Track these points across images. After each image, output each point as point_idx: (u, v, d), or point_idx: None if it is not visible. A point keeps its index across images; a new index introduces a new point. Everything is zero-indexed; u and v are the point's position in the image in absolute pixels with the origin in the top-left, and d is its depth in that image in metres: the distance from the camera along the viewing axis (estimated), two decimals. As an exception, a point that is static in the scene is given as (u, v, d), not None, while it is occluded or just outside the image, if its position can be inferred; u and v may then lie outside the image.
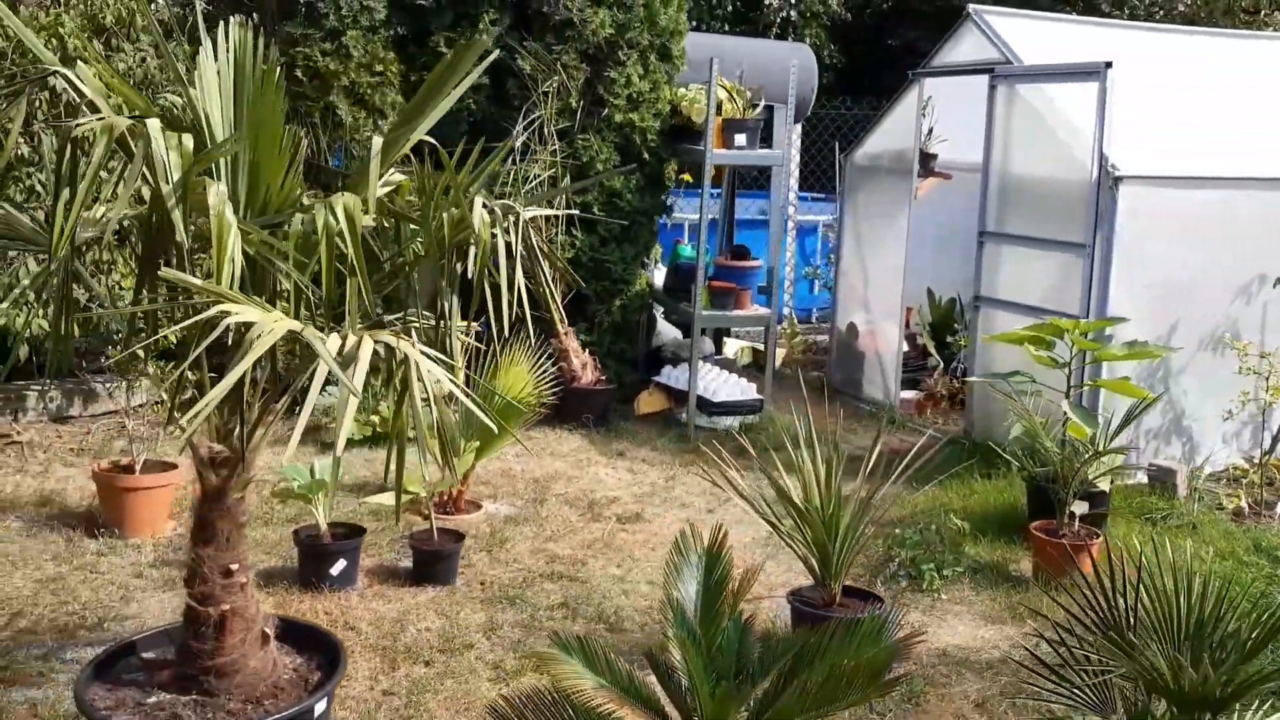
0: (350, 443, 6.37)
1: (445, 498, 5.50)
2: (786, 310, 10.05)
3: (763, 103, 7.28)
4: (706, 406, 7.18)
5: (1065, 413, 5.26)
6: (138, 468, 5.04)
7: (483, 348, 5.68)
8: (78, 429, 6.46)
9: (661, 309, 8.05)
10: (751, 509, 4.22)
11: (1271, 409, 6.11)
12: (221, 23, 2.94)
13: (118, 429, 6.19)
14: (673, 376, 7.48)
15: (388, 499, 4.76)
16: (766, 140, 7.49)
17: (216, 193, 2.47)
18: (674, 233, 9.52)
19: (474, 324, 4.51)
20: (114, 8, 6.06)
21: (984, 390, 6.51)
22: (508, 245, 3.06)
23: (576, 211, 6.85)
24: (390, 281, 3.13)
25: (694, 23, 13.01)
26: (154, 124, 2.44)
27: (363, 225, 2.83)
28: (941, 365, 8.00)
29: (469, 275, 3.04)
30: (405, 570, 4.81)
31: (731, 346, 9.07)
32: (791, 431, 7.25)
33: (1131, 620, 2.73)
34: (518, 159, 6.91)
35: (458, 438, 5.42)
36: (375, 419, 6.46)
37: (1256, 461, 6.04)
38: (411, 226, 3.08)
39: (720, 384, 7.35)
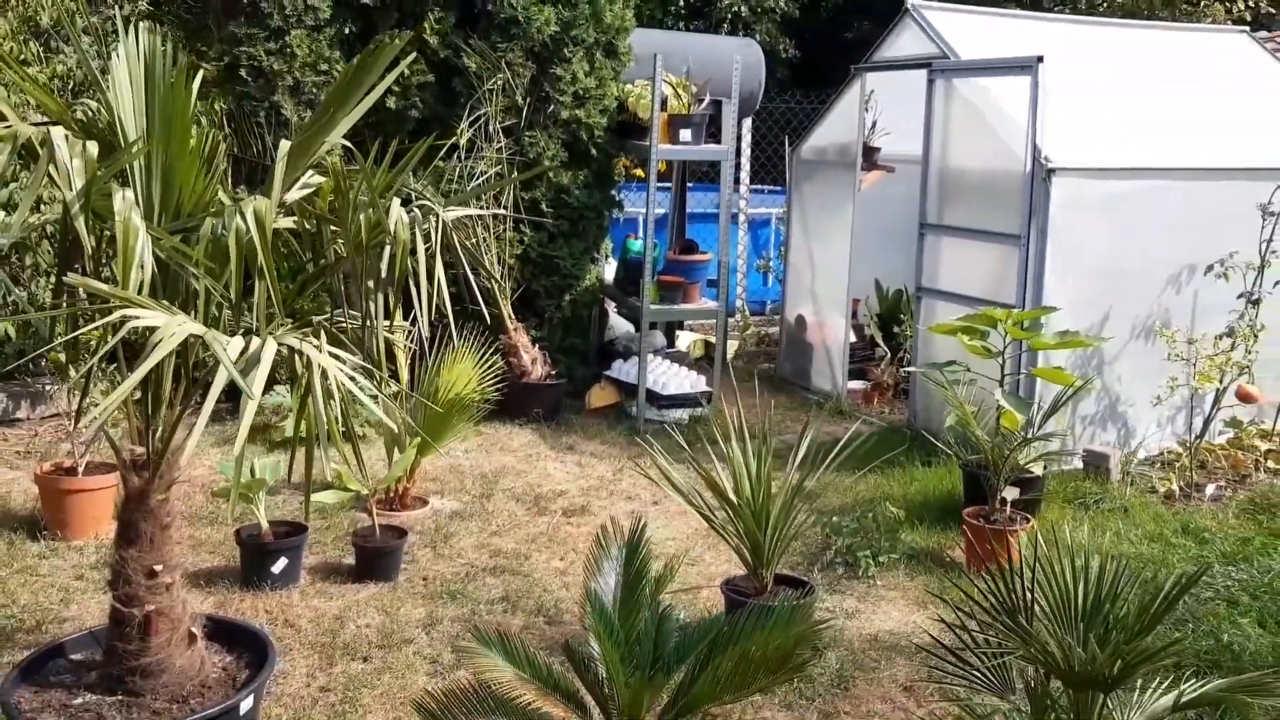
0: (303, 440, 6.40)
1: (392, 494, 5.55)
2: (739, 303, 10.14)
3: (708, 98, 7.35)
4: (656, 400, 7.25)
5: (999, 401, 5.37)
6: (80, 470, 5.06)
7: (427, 346, 5.75)
8: (25, 431, 6.46)
9: (614, 304, 8.12)
10: (686, 502, 4.29)
11: (1202, 394, 6.26)
12: (132, 27, 2.97)
13: (65, 432, 6.19)
14: (623, 370, 7.55)
15: (329, 496, 4.81)
16: (716, 135, 7.56)
17: (123, 199, 2.51)
18: (627, 227, 9.59)
19: (405, 324, 4.57)
20: (50, 9, 6.04)
21: (927, 379, 6.62)
22: (427, 246, 3.10)
23: (507, 212, 6.86)
24: (315, 282, 3.17)
25: (647, 19, 13.09)
26: (58, 132, 2.48)
27: (276, 228, 2.88)
28: (889, 355, 8.11)
29: (389, 275, 3.08)
30: (349, 567, 4.86)
31: (685, 340, 9.15)
32: (738, 424, 7.40)
33: (1029, 604, 2.82)
34: (462, 156, 6.94)
35: (403, 435, 5.49)
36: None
37: (1188, 445, 6.18)
38: (333, 228, 3.12)
39: (669, 377, 7.43)
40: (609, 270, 8.29)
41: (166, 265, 2.71)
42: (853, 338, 8.28)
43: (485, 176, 6.98)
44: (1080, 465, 6.19)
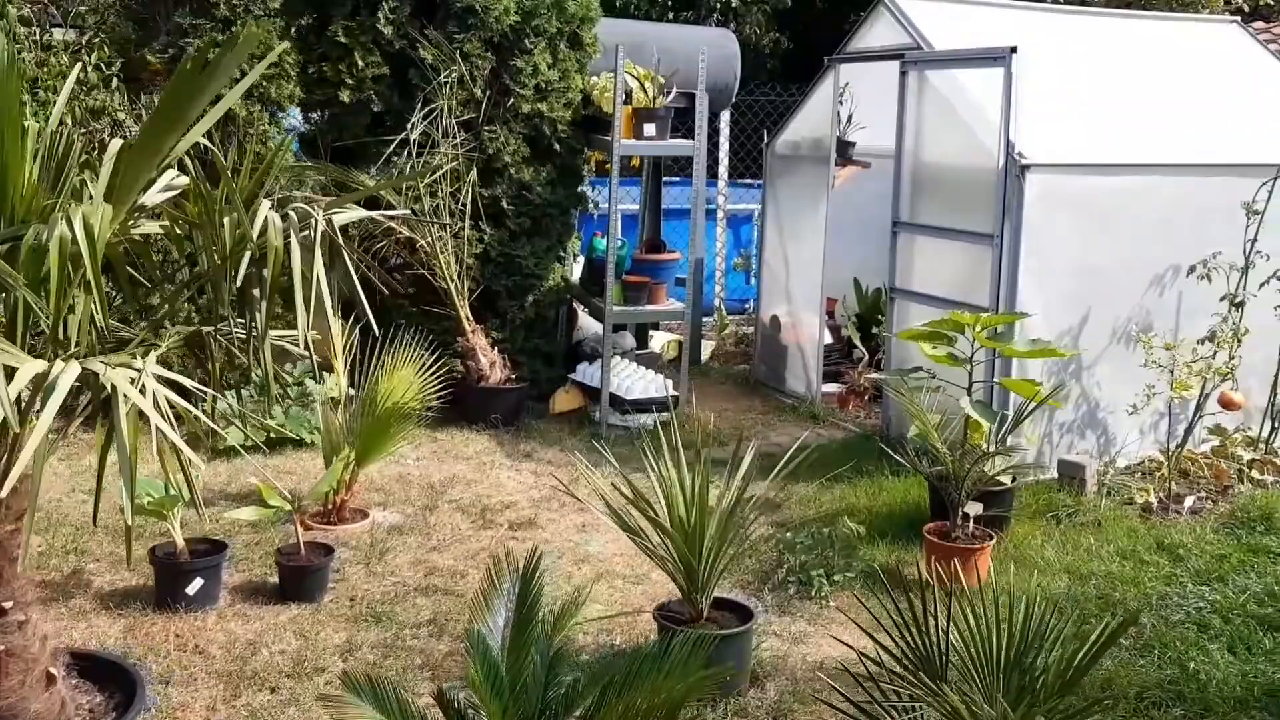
0: (244, 449, 6.16)
1: (329, 506, 5.31)
2: (717, 302, 9.87)
3: (675, 91, 7.08)
4: (620, 404, 7.00)
5: (965, 410, 5.11)
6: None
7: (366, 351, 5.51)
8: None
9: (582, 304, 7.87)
10: (615, 523, 4.03)
11: (1185, 401, 5.97)
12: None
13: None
14: (588, 374, 7.30)
15: (248, 513, 4.57)
16: (690, 129, 7.29)
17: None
18: (599, 224, 9.31)
19: (337, 326, 4.31)
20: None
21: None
22: (307, 250, 2.85)
23: (411, 213, 6.56)
24: (186, 291, 2.92)
25: (631, 11, 12.80)
26: None
27: (145, 233, 2.63)
28: (866, 358, 7.85)
29: (254, 281, 2.83)
30: (274, 587, 4.61)
31: (659, 341, 8.89)
32: (708, 429, 7.14)
33: (943, 652, 2.56)
34: (414, 152, 6.68)
35: (341, 445, 5.24)
36: (270, 423, 6.25)
37: (1169, 454, 5.90)
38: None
39: (634, 381, 7.17)
40: (578, 269, 8.03)
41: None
42: (829, 339, 8.02)
43: (440, 172, 6.72)
44: (1056, 476, 5.92)
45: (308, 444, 6.29)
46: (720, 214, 10.08)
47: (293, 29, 6.76)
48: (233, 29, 6.59)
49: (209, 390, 2.67)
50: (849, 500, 5.84)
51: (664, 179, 9.01)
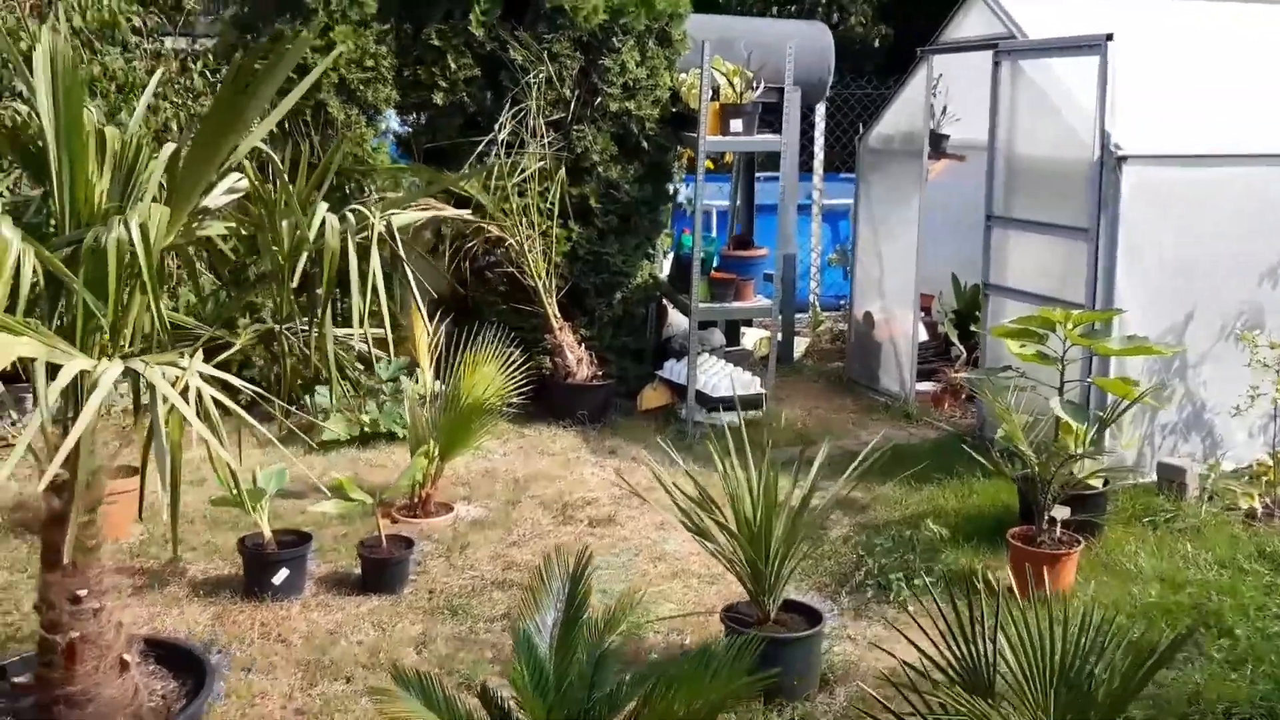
0: (338, 443, 6.36)
1: (414, 500, 5.43)
2: (812, 298, 9.76)
3: (763, 85, 7.02)
4: (706, 402, 6.98)
5: (1055, 411, 4.95)
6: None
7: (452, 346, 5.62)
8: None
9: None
10: (681, 522, 4.02)
11: (1295, 402, 5.67)
12: (46, 28, 2.85)
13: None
14: (675, 371, 7.29)
15: (331, 506, 4.69)
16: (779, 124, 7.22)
17: (-17, 212, 2.39)
18: (690, 221, 9.28)
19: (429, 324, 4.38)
20: (93, 11, 6.08)
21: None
22: (362, 252, 2.91)
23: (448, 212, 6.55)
24: (253, 290, 3.02)
25: (729, 7, 12.74)
26: None
27: (206, 235, 2.73)
28: (964, 355, 7.66)
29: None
30: (356, 579, 4.74)
31: (751, 337, 8.84)
32: (796, 428, 7.07)
33: (992, 665, 2.49)
34: (501, 154, 6.77)
35: (427, 440, 5.35)
36: (365, 418, 6.42)
37: (1276, 456, 5.61)
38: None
39: (721, 378, 7.14)
40: (668, 266, 8.03)
41: (58, 280, 2.58)
42: (925, 336, 7.86)
43: (528, 173, 6.79)
44: (1155, 479, 5.69)
45: (400, 438, 6.44)
46: (815, 209, 9.95)
47: (389, 34, 6.93)
48: (330, 35, 6.78)
49: (244, 388, 2.72)
50: (937, 502, 5.72)
51: (757, 174, 8.96)
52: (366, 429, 6.38)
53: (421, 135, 7.20)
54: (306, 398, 6.44)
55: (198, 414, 2.39)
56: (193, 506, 5.41)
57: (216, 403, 2.47)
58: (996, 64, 6.26)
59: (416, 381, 6.49)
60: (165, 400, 2.29)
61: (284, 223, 2.82)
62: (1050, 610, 2.54)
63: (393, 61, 6.97)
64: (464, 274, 6.98)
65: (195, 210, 2.77)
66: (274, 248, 2.86)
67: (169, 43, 7.05)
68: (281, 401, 3.53)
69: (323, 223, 2.86)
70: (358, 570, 4.78)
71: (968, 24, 6.83)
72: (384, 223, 3.04)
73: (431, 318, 7.34)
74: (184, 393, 2.34)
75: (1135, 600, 4.52)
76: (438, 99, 6.98)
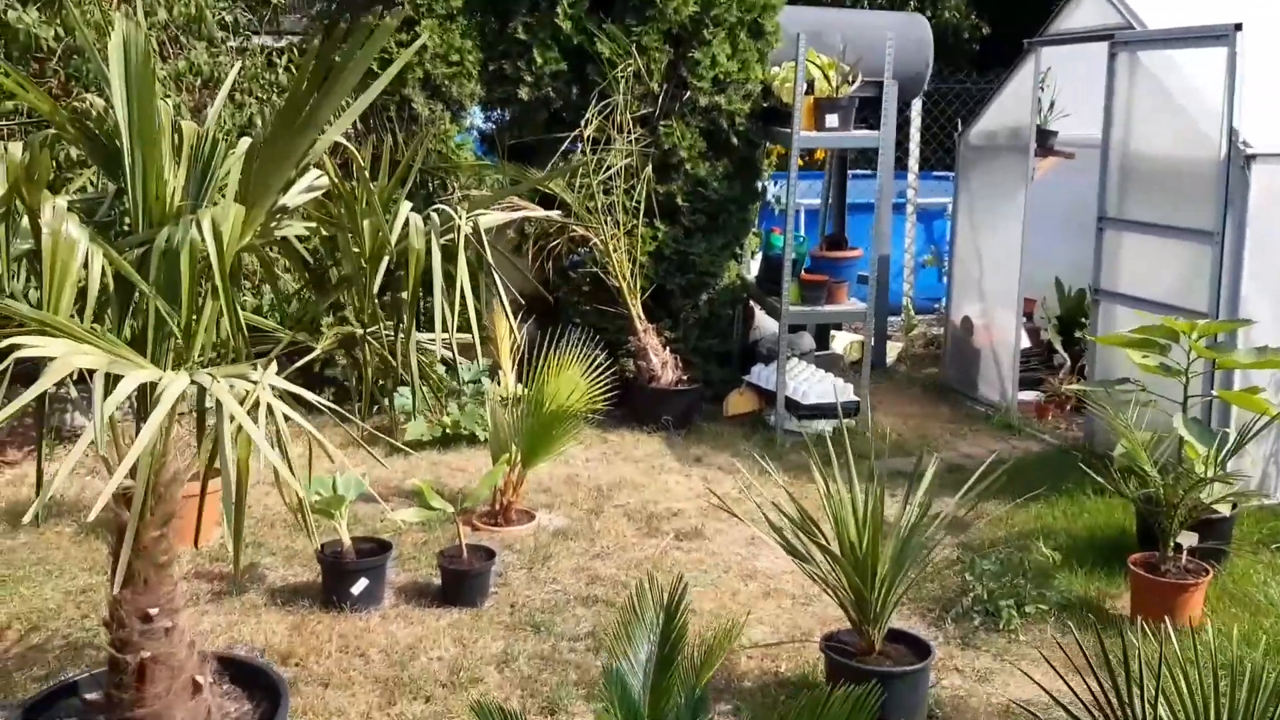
0: (420, 444, 6.23)
1: (496, 507, 5.26)
2: (905, 301, 9.41)
3: (860, 79, 6.73)
4: (796, 409, 6.71)
5: (1178, 429, 4.60)
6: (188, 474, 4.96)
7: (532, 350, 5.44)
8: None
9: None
10: (779, 544, 3.78)
11: None
12: (118, 14, 2.70)
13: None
14: (763, 376, 7.04)
15: (411, 514, 4.54)
16: (876, 119, 6.93)
17: (53, 209, 2.23)
18: (778, 220, 9.02)
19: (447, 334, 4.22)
20: (180, 6, 6.02)
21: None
22: (447, 254, 2.73)
23: (543, 211, 6.32)
24: (332, 294, 2.85)
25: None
26: None
27: (285, 236, 2.56)
28: (1068, 363, 7.28)
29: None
30: (437, 589, 4.58)
31: (841, 341, 8.53)
32: (891, 438, 6.77)
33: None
34: (586, 150, 6.57)
35: (509, 445, 5.18)
36: (446, 420, 6.28)
37: None
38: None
39: (812, 384, 6.86)
40: (755, 267, 7.78)
41: (128, 283, 2.43)
42: (1026, 342, 7.49)
43: (614, 170, 6.59)
44: (1284, 501, 5.30)
45: (481, 440, 6.29)
46: (910, 208, 9.60)
47: (474, 27, 6.78)
48: (416, 29, 6.66)
49: (319, 404, 2.54)
50: (1044, 521, 5.39)
51: (849, 172, 8.65)
52: (448, 430, 6.24)
53: (506, 131, 7.05)
54: (387, 398, 6.32)
55: (267, 434, 2.22)
56: (272, 509, 5.31)
57: (289, 417, 2.30)
58: (1113, 56, 5.89)
59: (498, 383, 6.34)
60: (232, 419, 2.12)
61: (365, 223, 2.65)
62: (1214, 654, 2.24)
63: (478, 56, 6.82)
64: (547, 274, 6.81)
65: (273, 209, 2.61)
66: (354, 249, 2.69)
67: (255, 39, 6.99)
68: (361, 407, 3.37)
69: (406, 223, 2.69)
70: (438, 580, 4.62)
71: (1080, 14, 6.46)
72: (470, 223, 2.85)
73: (514, 318, 7.21)
74: (254, 408, 2.17)
75: (1271, 636, 4.16)
76: (523, 94, 6.82)
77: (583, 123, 6.56)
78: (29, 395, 2.03)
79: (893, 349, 8.60)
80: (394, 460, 6.06)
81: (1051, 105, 6.98)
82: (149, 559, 2.73)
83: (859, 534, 3.61)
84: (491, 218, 3.04)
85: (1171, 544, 4.34)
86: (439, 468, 5.99)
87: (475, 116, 7.30)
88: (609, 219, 6.65)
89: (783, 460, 6.29)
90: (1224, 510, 4.61)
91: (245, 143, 2.53)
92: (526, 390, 5.29)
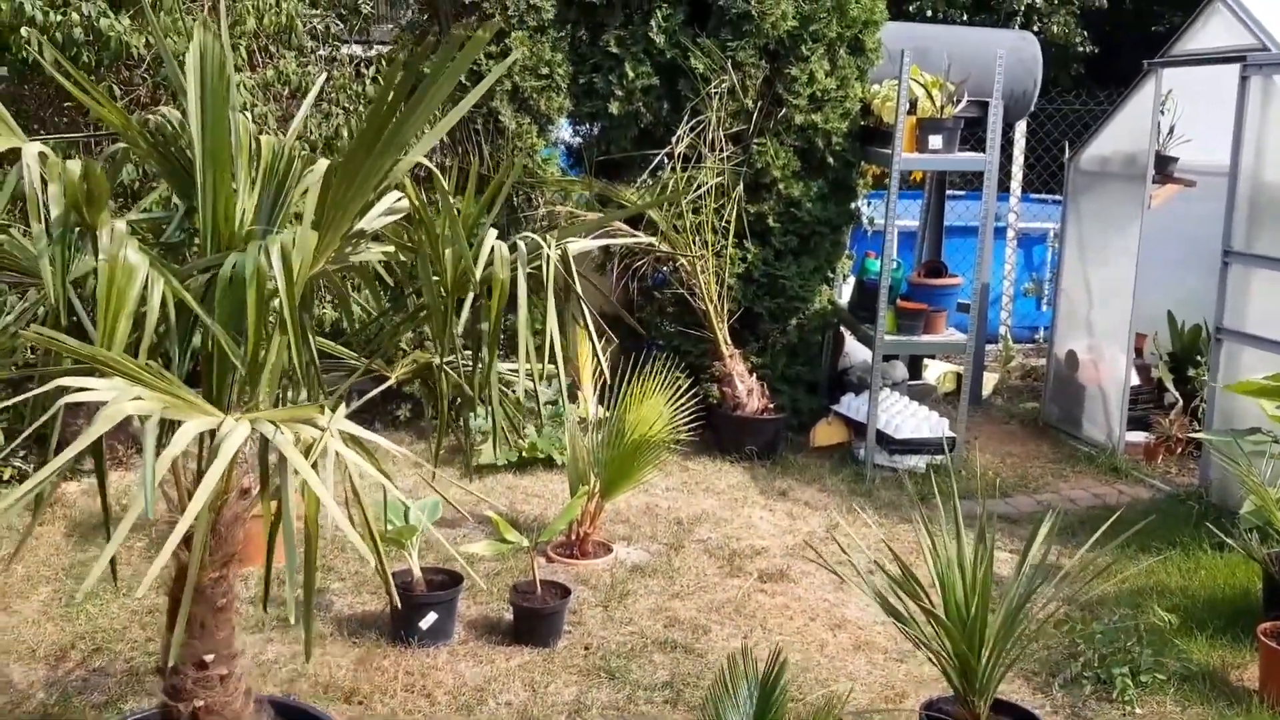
0: (495, 468, 6.05)
1: (572, 538, 5.05)
2: (1003, 330, 9.01)
3: (966, 99, 6.40)
4: (887, 443, 6.39)
5: (1316, 486, 4.21)
6: (254, 491, 4.84)
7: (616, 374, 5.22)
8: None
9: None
10: (877, 603, 3.48)
11: None
12: (196, 23, 2.54)
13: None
14: (853, 407, 6.73)
15: (483, 548, 4.34)
16: (980, 140, 6.60)
17: (110, 233, 2.07)
18: (871, 243, 8.69)
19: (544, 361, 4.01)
20: (270, 16, 5.94)
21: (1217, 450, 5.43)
22: (535, 282, 2.52)
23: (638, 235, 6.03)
24: (410, 323, 2.66)
25: (926, 15, 12.04)
26: (30, 150, 2.07)
27: (365, 260, 2.38)
28: (1180, 403, 6.85)
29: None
30: (508, 625, 4.38)
31: (934, 371, 8.18)
32: (988, 477, 6.41)
33: None
34: (677, 167, 6.35)
35: (589, 475, 4.97)
36: (523, 443, 6.09)
37: None
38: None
39: (905, 417, 6.53)
40: (847, 291, 7.47)
41: (191, 313, 2.25)
42: (1135, 380, 7.06)
43: (705, 188, 6.36)
44: None
45: (558, 465, 6.09)
46: (1010, 233, 9.20)
47: (565, 40, 6.61)
48: (505, 40, 6.51)
49: (392, 449, 2.34)
50: (1157, 577, 5.00)
51: (948, 193, 8.31)
52: (524, 454, 6.05)
53: (594, 146, 6.85)
54: (463, 420, 6.15)
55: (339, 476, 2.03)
56: (345, 531, 5.16)
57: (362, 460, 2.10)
58: (1244, 78, 5.49)
59: (578, 405, 6.14)
60: (297, 473, 1.93)
61: (447, 251, 2.45)
62: None
63: (568, 69, 6.65)
64: (631, 293, 6.60)
65: (349, 234, 2.43)
66: (435, 279, 2.49)
67: (345, 49, 6.91)
68: (436, 436, 3.17)
69: (491, 251, 2.48)
70: (509, 616, 4.41)
71: (1206, 34, 6.07)
72: (559, 250, 2.63)
73: (605, 340, 7.01)
74: (322, 455, 1.97)
75: None
76: (613, 108, 6.62)
77: (674, 139, 6.34)
78: (78, 446, 1.86)
79: (989, 381, 8.22)
80: (469, 483, 5.89)
81: (1171, 130, 6.57)
82: (207, 602, 2.57)
83: (967, 599, 3.31)
84: (580, 245, 2.82)
85: (1309, 615, 3.95)
86: (514, 492, 5.80)
87: (563, 130, 7.12)
88: (697, 239, 6.41)
89: (872, 497, 5.99)
90: (1367, 580, 4.19)
91: (323, 164, 2.34)
92: (608, 416, 5.08)
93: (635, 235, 5.55)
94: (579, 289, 2.71)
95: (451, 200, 2.47)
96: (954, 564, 3.36)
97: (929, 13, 12.11)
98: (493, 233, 2.54)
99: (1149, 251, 6.49)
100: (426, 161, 2.45)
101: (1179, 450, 6.59)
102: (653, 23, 6.54)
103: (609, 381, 5.26)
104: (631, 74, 6.58)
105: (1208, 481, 5.83)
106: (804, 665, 4.17)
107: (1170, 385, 6.94)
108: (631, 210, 5.52)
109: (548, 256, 2.57)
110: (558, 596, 4.36)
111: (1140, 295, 6.53)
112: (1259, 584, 4.60)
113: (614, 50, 6.60)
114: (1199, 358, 6.84)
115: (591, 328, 3.30)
